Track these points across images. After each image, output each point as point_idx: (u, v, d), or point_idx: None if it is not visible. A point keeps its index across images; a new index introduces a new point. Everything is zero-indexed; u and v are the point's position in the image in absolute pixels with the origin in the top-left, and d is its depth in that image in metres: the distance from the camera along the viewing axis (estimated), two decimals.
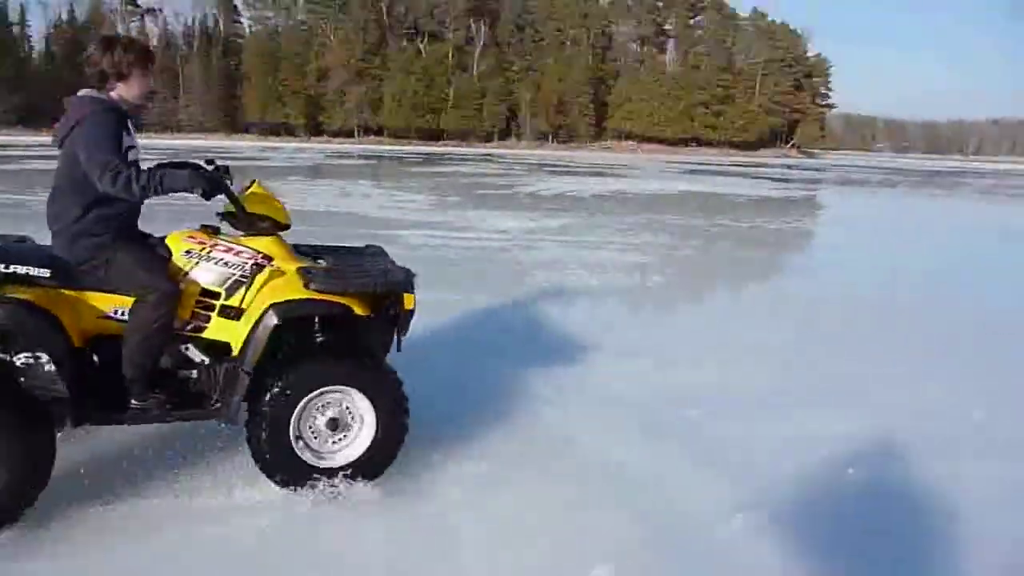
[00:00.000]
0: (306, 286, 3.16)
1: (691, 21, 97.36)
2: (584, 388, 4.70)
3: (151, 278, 3.04)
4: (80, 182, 2.98)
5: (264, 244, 3.26)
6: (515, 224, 13.31)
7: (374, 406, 3.25)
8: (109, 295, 3.06)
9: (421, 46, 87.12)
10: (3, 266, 2.91)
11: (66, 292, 3.01)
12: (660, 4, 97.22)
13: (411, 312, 3.31)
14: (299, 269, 3.24)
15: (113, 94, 3.10)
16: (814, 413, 4.44)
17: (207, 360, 3.22)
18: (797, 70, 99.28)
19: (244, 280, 3.17)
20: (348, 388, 3.23)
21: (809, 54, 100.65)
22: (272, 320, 3.11)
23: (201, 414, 3.18)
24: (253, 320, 3.14)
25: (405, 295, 3.27)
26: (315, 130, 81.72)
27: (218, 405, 3.17)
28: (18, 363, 2.85)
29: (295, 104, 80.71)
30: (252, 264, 3.19)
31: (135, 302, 3.04)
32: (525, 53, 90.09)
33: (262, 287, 3.19)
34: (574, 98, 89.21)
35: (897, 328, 6.72)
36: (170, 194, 2.99)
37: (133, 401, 3.07)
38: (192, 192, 2.99)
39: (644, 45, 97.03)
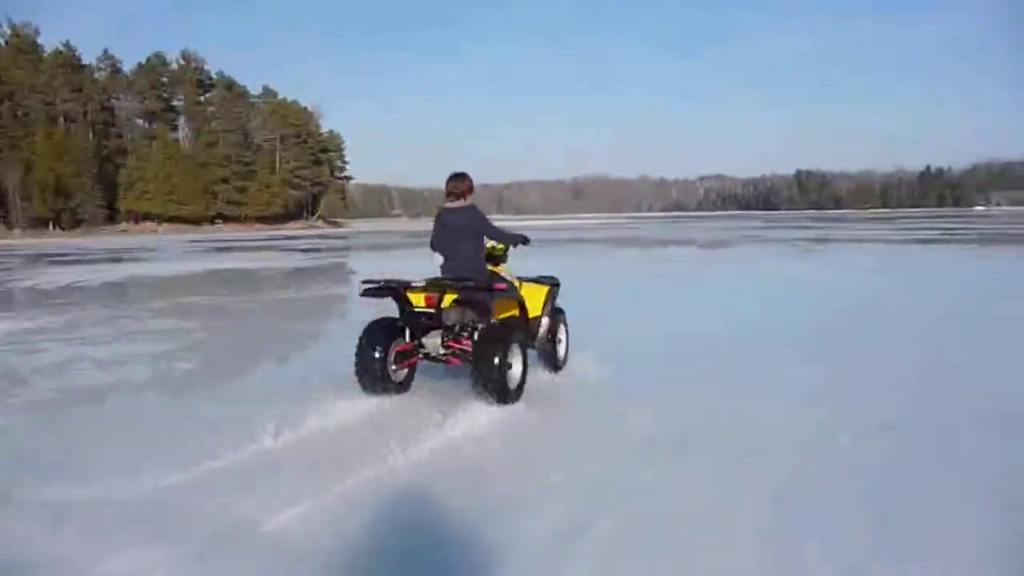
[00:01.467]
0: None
1: (201, 98, 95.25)
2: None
3: None
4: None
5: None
6: (8, 327, 11.08)
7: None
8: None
9: None
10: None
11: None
12: (165, 80, 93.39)
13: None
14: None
15: None
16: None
17: None
18: (313, 145, 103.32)
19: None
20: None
21: (323, 130, 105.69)
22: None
23: None
24: None
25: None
26: None
27: None
28: None
29: None
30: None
31: None
32: (6, 131, 78.62)
33: None
34: (76, 179, 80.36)
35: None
36: None
37: None
38: None
39: (153, 122, 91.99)
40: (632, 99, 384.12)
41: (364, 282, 5.93)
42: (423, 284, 5.82)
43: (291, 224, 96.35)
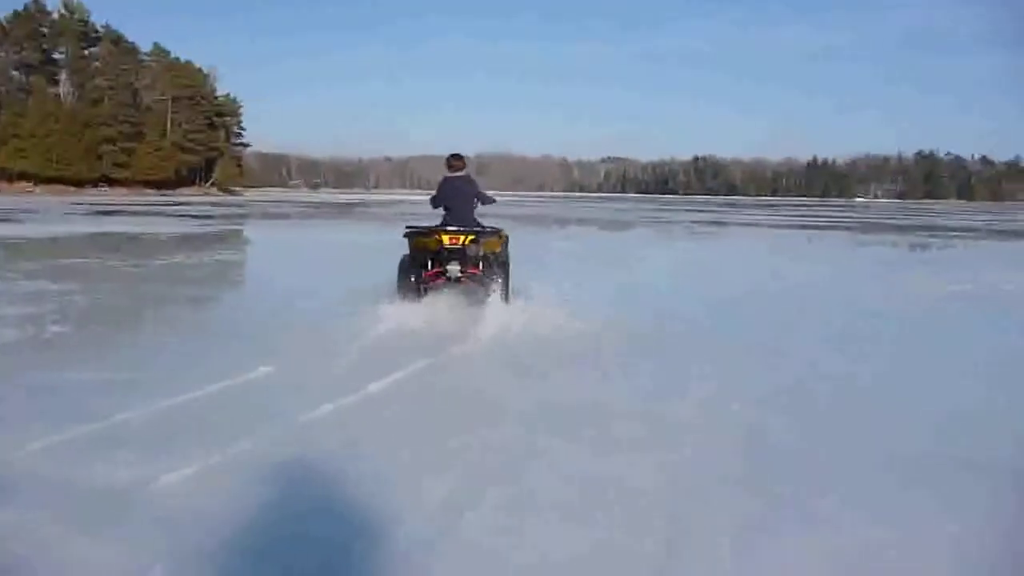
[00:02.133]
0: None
1: (85, 51, 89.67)
2: None
3: None
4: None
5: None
6: None
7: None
8: None
9: None
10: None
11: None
12: (45, 30, 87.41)
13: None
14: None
15: None
16: None
17: None
18: (208, 109, 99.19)
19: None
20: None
21: (219, 93, 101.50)
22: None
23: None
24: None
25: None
26: None
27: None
28: None
29: None
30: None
31: None
32: None
33: None
34: None
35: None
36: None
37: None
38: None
39: (31, 75, 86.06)
40: (539, 77, 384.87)
41: (408, 227, 8.43)
42: (454, 229, 8.22)
43: (183, 190, 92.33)
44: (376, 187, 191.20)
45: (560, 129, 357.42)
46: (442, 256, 8.28)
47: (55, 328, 7.53)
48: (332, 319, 7.60)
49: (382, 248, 11.04)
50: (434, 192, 8.79)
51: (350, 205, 62.61)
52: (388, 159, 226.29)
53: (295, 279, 12.29)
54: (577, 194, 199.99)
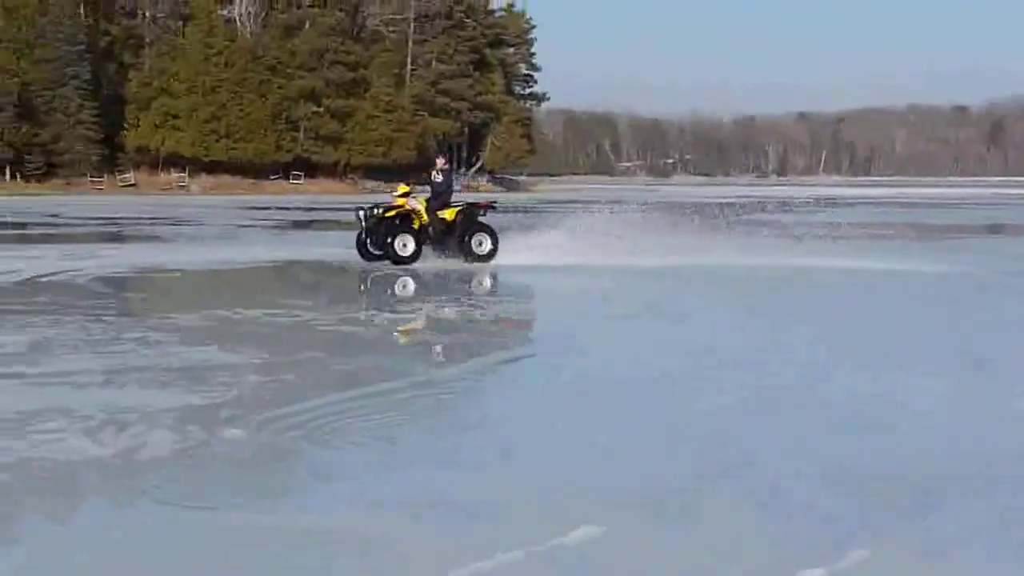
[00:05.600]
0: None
1: None
2: None
3: None
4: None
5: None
6: None
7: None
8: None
9: None
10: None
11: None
12: None
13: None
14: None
15: None
16: None
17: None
18: (474, 35, 59.81)
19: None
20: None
21: (495, 5, 60.80)
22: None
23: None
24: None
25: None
26: None
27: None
28: None
29: None
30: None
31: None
32: None
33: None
34: (48, 91, 46.74)
35: None
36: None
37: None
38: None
39: None
40: None
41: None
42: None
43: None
44: (783, 171, 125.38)
45: None
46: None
47: (221, 448, 3.89)
48: None
49: None
50: None
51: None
52: (802, 116, 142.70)
53: None
54: None
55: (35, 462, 3.63)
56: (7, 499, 3.29)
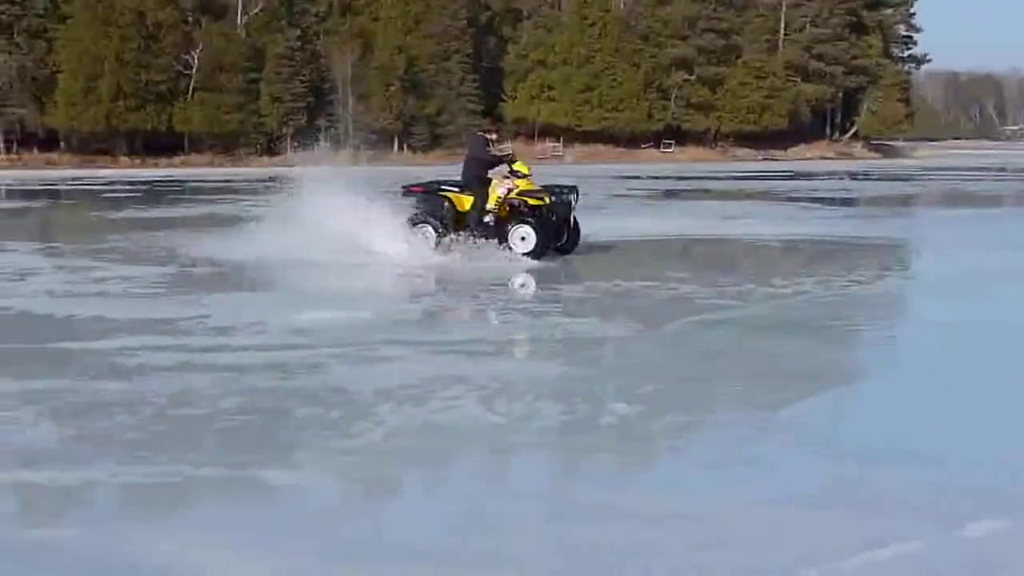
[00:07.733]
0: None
1: None
2: None
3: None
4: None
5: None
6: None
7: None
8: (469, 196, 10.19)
9: None
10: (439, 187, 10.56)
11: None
12: None
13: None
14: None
15: None
16: None
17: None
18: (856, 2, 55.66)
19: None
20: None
21: None
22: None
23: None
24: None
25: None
26: None
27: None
28: None
29: None
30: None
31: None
32: None
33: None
34: (442, 62, 47.75)
35: None
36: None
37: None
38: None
39: None
40: None
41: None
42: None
43: (795, 149, 51.44)
44: None
45: None
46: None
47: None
48: None
49: None
50: None
51: None
52: None
53: None
54: None
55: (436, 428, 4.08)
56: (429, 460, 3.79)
